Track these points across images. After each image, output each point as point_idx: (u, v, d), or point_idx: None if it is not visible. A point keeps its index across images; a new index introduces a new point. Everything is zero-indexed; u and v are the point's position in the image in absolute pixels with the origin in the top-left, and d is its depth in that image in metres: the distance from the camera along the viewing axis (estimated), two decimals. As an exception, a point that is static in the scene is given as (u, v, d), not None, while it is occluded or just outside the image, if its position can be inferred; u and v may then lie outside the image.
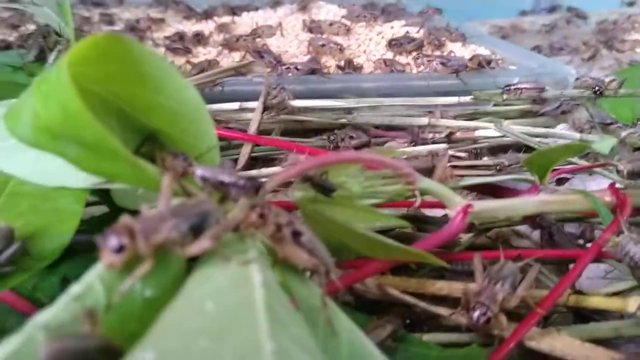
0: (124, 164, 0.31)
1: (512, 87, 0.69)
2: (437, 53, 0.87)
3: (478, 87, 0.79)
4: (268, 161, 0.67)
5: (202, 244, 0.25)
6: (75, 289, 0.22)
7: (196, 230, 0.25)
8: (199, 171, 0.31)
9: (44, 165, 0.36)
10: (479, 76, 0.82)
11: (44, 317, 0.21)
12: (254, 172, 0.56)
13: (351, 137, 0.64)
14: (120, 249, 0.22)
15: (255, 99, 0.68)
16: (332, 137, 0.63)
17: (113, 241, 0.22)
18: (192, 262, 0.26)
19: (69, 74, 0.26)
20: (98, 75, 0.31)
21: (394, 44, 0.87)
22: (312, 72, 0.78)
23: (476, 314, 0.32)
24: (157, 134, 0.34)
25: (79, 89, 0.27)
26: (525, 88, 0.67)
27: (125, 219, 0.23)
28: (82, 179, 0.35)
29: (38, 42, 0.69)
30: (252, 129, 0.62)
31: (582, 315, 0.41)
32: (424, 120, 0.69)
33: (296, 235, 0.28)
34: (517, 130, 0.67)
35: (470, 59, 0.79)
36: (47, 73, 0.29)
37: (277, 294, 0.24)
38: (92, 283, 0.23)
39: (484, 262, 0.47)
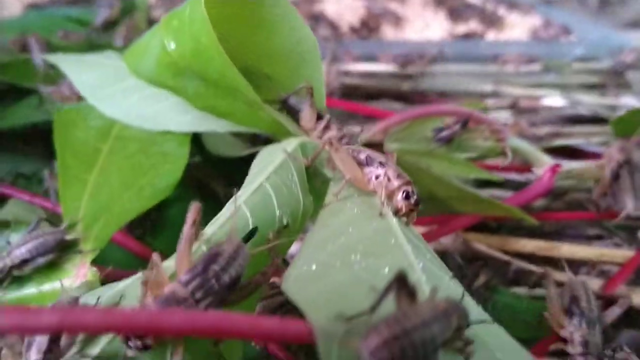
0: (241, 102, 0.32)
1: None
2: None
3: (542, 56, 0.78)
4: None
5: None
6: (226, 212, 0.24)
7: None
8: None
9: (146, 110, 0.37)
10: (540, 45, 0.81)
11: (207, 233, 0.23)
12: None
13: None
14: None
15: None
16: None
17: None
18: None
19: (205, 8, 0.27)
20: (218, 16, 0.31)
21: (455, 14, 0.86)
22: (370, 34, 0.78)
23: None
24: (261, 78, 0.35)
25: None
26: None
27: None
28: (184, 123, 0.37)
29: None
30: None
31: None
32: (489, 88, 0.69)
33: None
34: (587, 100, 0.66)
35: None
36: (176, 11, 0.30)
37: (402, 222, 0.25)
38: (240, 207, 0.24)
39: (557, 225, 0.47)
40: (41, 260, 0.31)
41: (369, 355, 0.16)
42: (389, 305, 0.18)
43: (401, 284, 0.18)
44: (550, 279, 0.35)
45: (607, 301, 0.36)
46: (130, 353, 0.19)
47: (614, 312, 0.35)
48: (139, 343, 0.19)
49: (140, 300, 0.20)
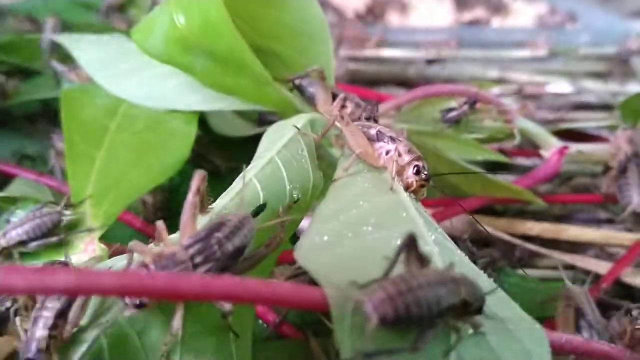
0: (249, 79, 0.32)
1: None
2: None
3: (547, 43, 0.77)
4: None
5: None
6: (237, 185, 0.24)
7: None
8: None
9: (154, 90, 0.37)
10: (545, 32, 0.81)
11: (218, 206, 0.23)
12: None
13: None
14: None
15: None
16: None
17: None
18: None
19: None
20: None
21: (460, 1, 0.85)
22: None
23: None
24: (270, 56, 0.35)
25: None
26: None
27: None
28: (192, 103, 0.36)
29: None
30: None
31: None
32: (495, 74, 0.68)
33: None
34: (593, 87, 0.65)
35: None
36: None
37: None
38: (251, 180, 0.24)
39: (564, 209, 0.47)
40: (41, 242, 0.31)
41: (373, 310, 0.16)
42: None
43: (411, 246, 0.18)
44: (564, 294, 0.32)
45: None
46: (126, 312, 0.19)
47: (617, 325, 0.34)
48: (136, 300, 0.19)
49: (128, 265, 0.20)
